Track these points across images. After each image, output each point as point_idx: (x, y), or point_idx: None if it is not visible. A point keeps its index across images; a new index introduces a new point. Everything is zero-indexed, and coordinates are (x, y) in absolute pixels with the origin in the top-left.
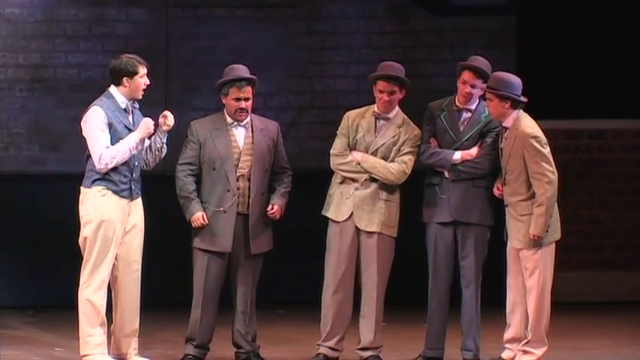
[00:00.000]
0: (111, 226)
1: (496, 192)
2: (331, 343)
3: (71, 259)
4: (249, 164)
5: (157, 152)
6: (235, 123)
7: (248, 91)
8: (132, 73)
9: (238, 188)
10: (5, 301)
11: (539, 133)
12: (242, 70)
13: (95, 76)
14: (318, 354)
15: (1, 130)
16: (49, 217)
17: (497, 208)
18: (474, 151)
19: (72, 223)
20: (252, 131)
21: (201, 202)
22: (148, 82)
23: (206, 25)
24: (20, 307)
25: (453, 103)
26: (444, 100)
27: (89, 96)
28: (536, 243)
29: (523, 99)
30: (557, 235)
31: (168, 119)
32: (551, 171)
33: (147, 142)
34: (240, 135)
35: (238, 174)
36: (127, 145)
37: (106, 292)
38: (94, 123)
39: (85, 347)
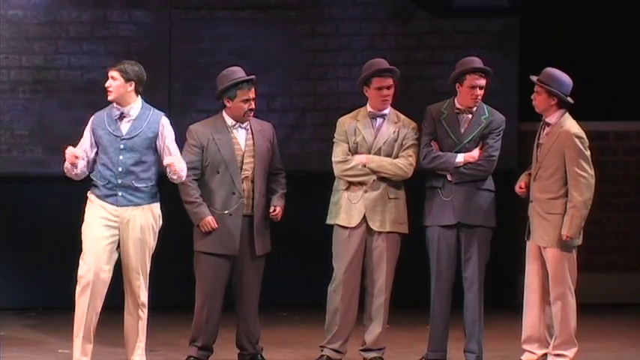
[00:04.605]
0: (92, 229)
1: (518, 190)
2: (335, 345)
3: (74, 261)
4: (252, 166)
5: (176, 178)
6: (236, 125)
7: (254, 91)
8: None
9: (243, 190)
10: (8, 303)
11: (584, 135)
12: (242, 72)
13: (98, 78)
14: (322, 356)
15: (4, 131)
16: (52, 219)
17: (501, 208)
18: (475, 153)
19: (74, 225)
20: (252, 133)
21: None
22: (109, 85)
23: (209, 27)
24: (23, 309)
25: (453, 106)
26: (443, 102)
27: (92, 98)
28: (566, 244)
29: (570, 100)
30: (579, 241)
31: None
32: (590, 174)
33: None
34: (241, 137)
35: (242, 176)
36: (65, 165)
37: (97, 295)
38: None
39: (74, 349)
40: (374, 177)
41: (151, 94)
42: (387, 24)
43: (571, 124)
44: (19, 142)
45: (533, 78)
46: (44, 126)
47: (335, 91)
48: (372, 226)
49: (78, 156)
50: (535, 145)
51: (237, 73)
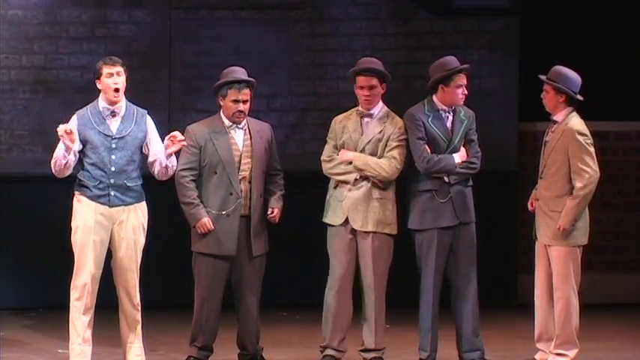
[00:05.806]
0: (86, 231)
1: (529, 208)
2: (334, 344)
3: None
4: (250, 167)
5: (162, 169)
6: (234, 125)
7: (246, 93)
8: (98, 75)
9: (241, 191)
10: (8, 303)
11: (587, 132)
12: (240, 72)
13: None
14: (325, 356)
15: (4, 131)
16: (52, 218)
17: (501, 208)
18: (464, 152)
19: None
20: (250, 133)
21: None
22: (117, 82)
23: (209, 26)
24: (23, 309)
25: (435, 107)
26: (421, 105)
27: (92, 98)
28: (563, 236)
29: (579, 97)
30: (585, 240)
31: (175, 142)
32: (593, 169)
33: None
34: (239, 138)
35: (240, 177)
36: (57, 153)
37: (92, 295)
38: None
39: (70, 354)
40: (355, 175)
41: (150, 94)
42: (387, 24)
43: (575, 122)
44: (19, 142)
45: (542, 77)
46: (44, 126)
47: (335, 91)
48: (353, 225)
49: (72, 130)
50: (542, 142)
51: (236, 72)
